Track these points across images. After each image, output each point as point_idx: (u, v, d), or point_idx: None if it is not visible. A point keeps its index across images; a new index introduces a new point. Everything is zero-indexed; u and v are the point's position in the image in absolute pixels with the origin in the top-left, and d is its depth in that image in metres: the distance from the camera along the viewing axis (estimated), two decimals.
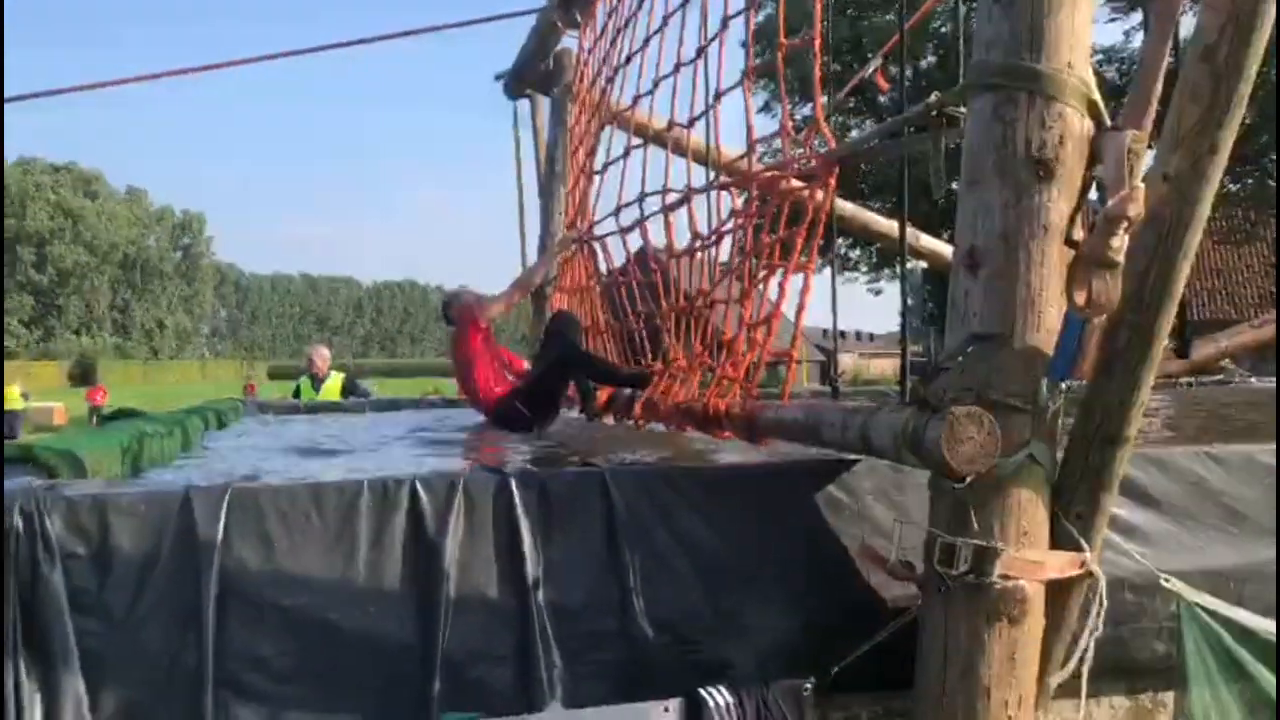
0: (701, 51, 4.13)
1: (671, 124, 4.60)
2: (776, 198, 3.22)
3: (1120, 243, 1.88)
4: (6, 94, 5.43)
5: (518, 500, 2.28)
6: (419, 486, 2.22)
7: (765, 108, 19.93)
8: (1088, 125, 2.11)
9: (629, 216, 5.29)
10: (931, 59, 27.32)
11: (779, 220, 3.23)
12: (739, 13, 3.83)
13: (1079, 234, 2.00)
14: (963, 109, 2.30)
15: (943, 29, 26.88)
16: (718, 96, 3.97)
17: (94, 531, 1.99)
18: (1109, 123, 2.06)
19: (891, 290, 35.07)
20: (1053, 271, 2.08)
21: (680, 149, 4.95)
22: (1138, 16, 21.42)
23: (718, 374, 3.58)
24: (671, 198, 4.47)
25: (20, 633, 1.89)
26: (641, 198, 4.89)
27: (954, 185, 2.39)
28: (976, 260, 2.15)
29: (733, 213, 3.80)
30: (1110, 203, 1.86)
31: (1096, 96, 2.11)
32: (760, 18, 5.88)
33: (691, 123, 4.31)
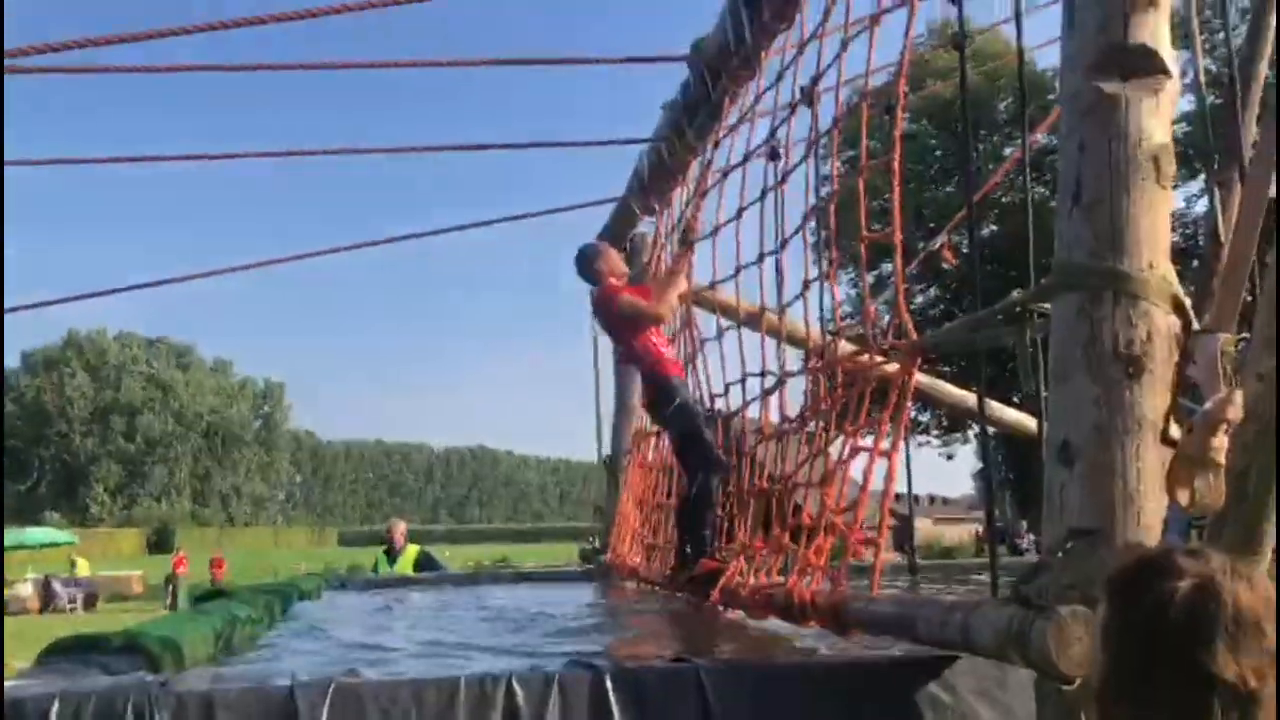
0: (785, 243, 4.31)
1: (759, 307, 4.73)
2: (860, 385, 3.27)
3: (1220, 443, 1.88)
4: (128, 281, 5.82)
5: (612, 698, 2.26)
6: (515, 683, 2.23)
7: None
8: (1174, 322, 2.14)
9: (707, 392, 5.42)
10: (994, 227, 27.77)
11: (862, 406, 3.27)
12: (817, 206, 4.00)
13: (1175, 431, 2.00)
14: (1047, 305, 2.36)
15: (1003, 199, 27.43)
16: (806, 285, 4.11)
17: None
18: (1194, 321, 2.09)
19: (963, 453, 34.54)
20: (1148, 467, 2.08)
21: (749, 322, 5.08)
22: (1197, 184, 21.61)
23: (800, 560, 3.55)
24: (758, 381, 4.62)
25: None
26: (727, 387, 5.11)
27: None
28: (1071, 454, 2.16)
29: (816, 397, 3.86)
30: (1208, 405, 1.87)
31: (1181, 293, 2.15)
32: (824, 193, 6.09)
33: (782, 309, 4.48)
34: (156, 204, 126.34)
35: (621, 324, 5.35)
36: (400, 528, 9.38)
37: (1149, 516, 2.07)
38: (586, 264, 5.57)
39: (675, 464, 6.14)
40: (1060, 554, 2.11)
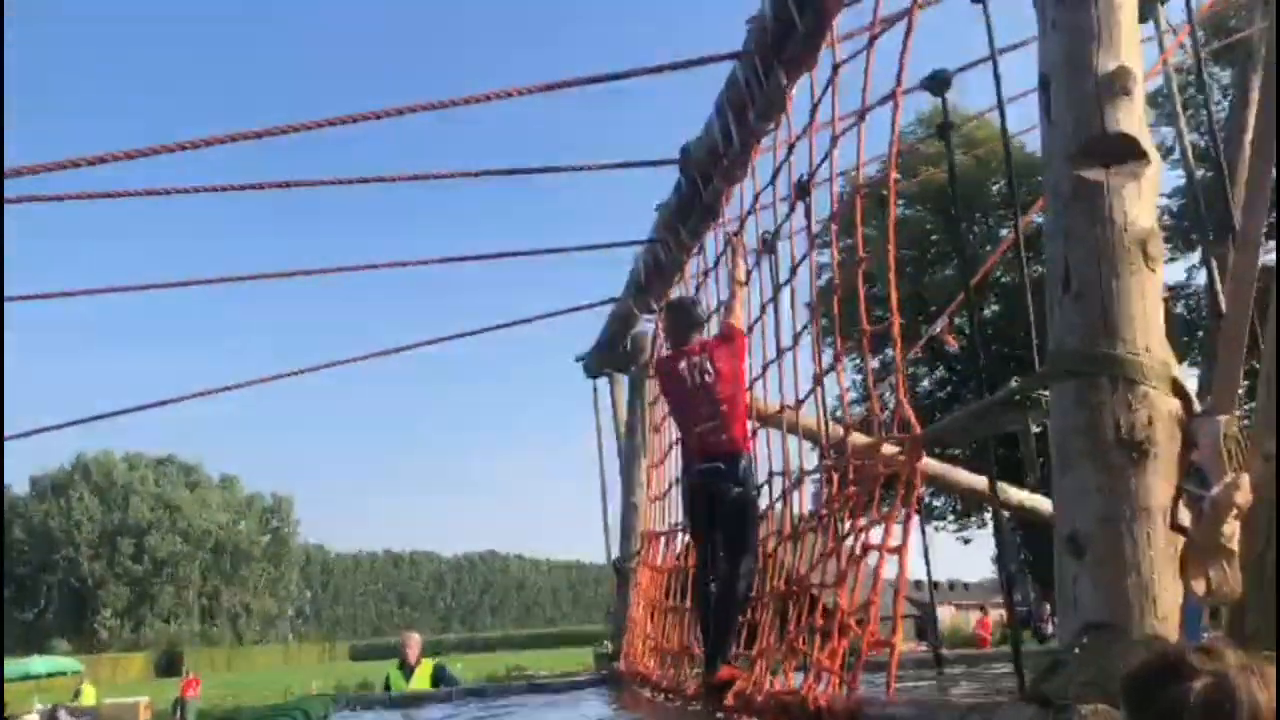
0: (797, 337, 4.34)
1: (782, 406, 4.70)
2: (869, 481, 3.23)
3: (1232, 529, 1.83)
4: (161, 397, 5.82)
5: None
6: None
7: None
8: (1174, 404, 2.12)
9: None
10: (995, 307, 27.90)
11: (872, 502, 3.22)
12: (806, 326, 4.02)
13: (1184, 518, 1.95)
14: (1045, 392, 2.34)
15: (1003, 278, 27.61)
16: (817, 380, 4.12)
17: None
18: (1196, 403, 2.07)
19: (980, 537, 34.01)
20: (1160, 555, 2.03)
21: (767, 421, 5.04)
22: (1196, 255, 21.75)
23: (814, 664, 3.45)
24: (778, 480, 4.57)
25: None
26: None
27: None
28: (1080, 545, 2.11)
29: (829, 495, 3.82)
30: (1215, 491, 1.83)
31: (1179, 376, 2.13)
32: (822, 281, 6.13)
33: (798, 405, 4.46)
34: (148, 326, 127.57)
35: (739, 364, 4.88)
36: (414, 640, 9.13)
37: (1165, 606, 2.01)
38: (689, 312, 5.17)
39: (691, 561, 6.01)
40: (1077, 649, 2.04)
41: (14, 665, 34.66)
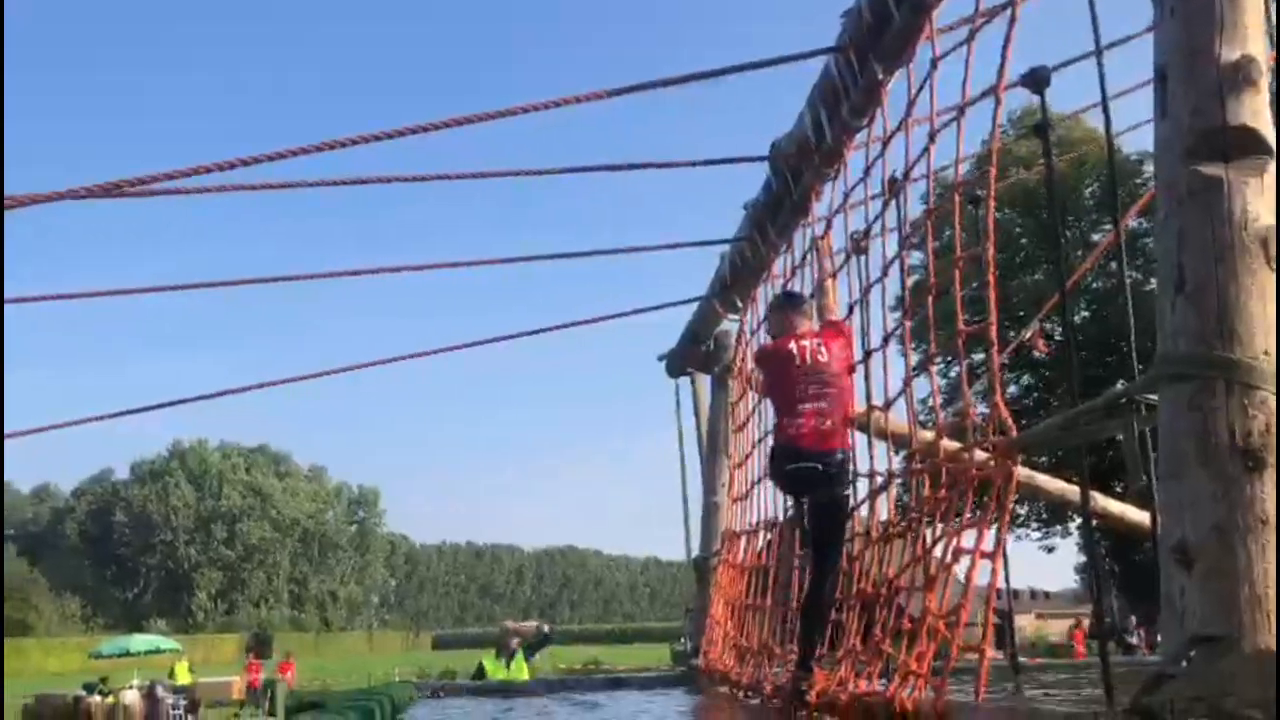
0: (888, 337, 4.27)
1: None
2: (961, 485, 3.16)
3: None
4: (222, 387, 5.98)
5: None
6: None
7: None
8: None
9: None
10: (1086, 313, 27.09)
11: (964, 506, 3.15)
12: (898, 327, 3.94)
13: None
14: (1153, 396, 2.25)
15: (1094, 284, 26.79)
16: (906, 382, 4.05)
17: None
18: None
19: (1064, 546, 33.13)
20: (1275, 568, 1.94)
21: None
22: None
23: (900, 667, 3.39)
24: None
25: None
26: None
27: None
28: (1189, 556, 2.03)
29: (919, 499, 3.75)
30: None
31: None
32: (911, 283, 6.01)
33: (887, 406, 4.39)
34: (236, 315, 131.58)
35: (849, 355, 4.75)
36: (521, 629, 9.18)
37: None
38: (800, 303, 5.01)
39: (775, 561, 5.97)
40: (1184, 663, 1.97)
41: (114, 642, 36.13)
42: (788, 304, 4.99)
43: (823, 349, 4.60)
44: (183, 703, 27.27)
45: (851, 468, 4.61)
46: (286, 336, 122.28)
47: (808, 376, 4.54)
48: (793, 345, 4.64)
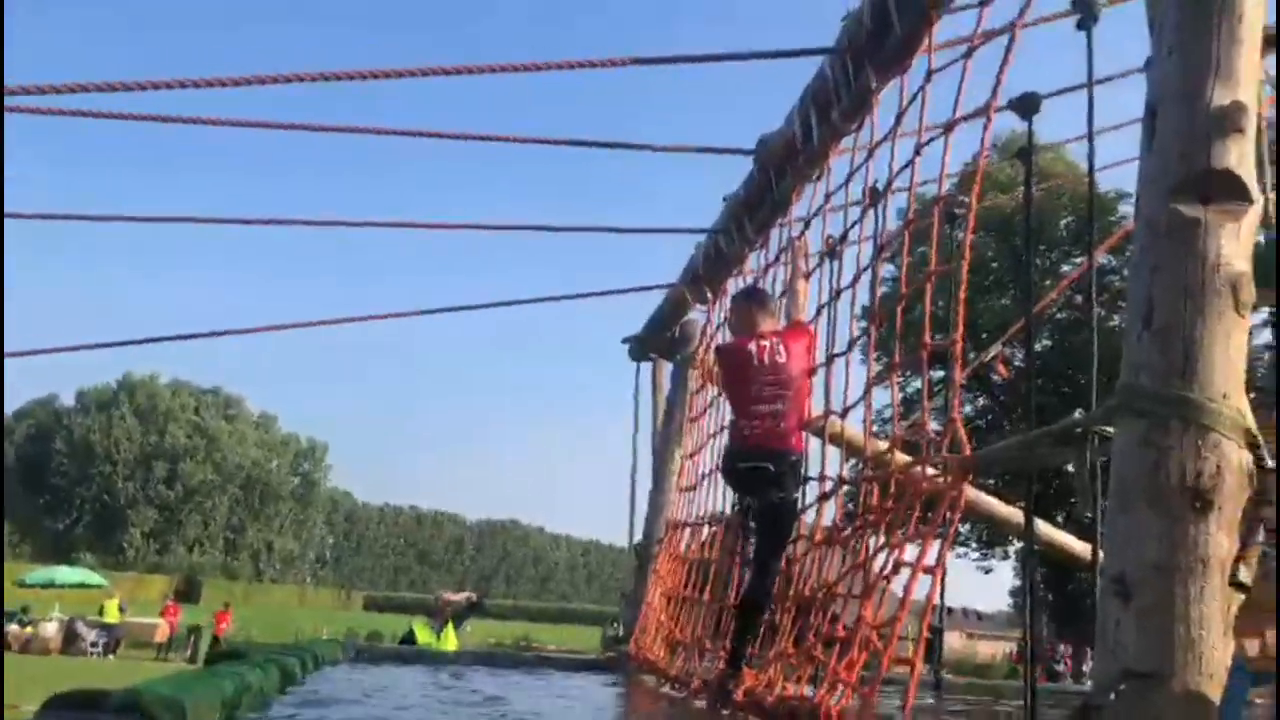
0: (852, 344, 4.28)
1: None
2: (910, 497, 3.17)
3: None
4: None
5: None
6: None
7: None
8: (1246, 458, 2.04)
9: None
10: (1047, 342, 27.50)
11: (910, 518, 3.16)
12: (863, 334, 3.94)
13: (1245, 575, 1.88)
14: (1109, 428, 2.26)
15: (1058, 315, 27.18)
16: (867, 389, 4.06)
17: None
18: (1269, 458, 1.98)
19: (1002, 569, 33.65)
20: (1214, 611, 1.95)
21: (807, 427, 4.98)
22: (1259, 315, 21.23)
23: (829, 673, 3.40)
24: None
25: None
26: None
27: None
28: (1127, 589, 2.04)
29: (866, 506, 3.76)
30: None
31: (1254, 428, 2.05)
32: (881, 293, 6.03)
33: (844, 413, 4.40)
34: (215, 252, 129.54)
35: (809, 359, 4.73)
36: (454, 598, 9.19)
37: (1212, 664, 1.93)
38: (765, 301, 5.00)
39: (717, 558, 5.97)
40: (1113, 695, 1.98)
41: (41, 572, 35.54)
42: (751, 300, 4.97)
43: (781, 349, 4.58)
44: (102, 640, 26.90)
45: (803, 471, 4.62)
46: (258, 280, 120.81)
47: (764, 377, 4.53)
48: (752, 345, 4.63)
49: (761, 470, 4.46)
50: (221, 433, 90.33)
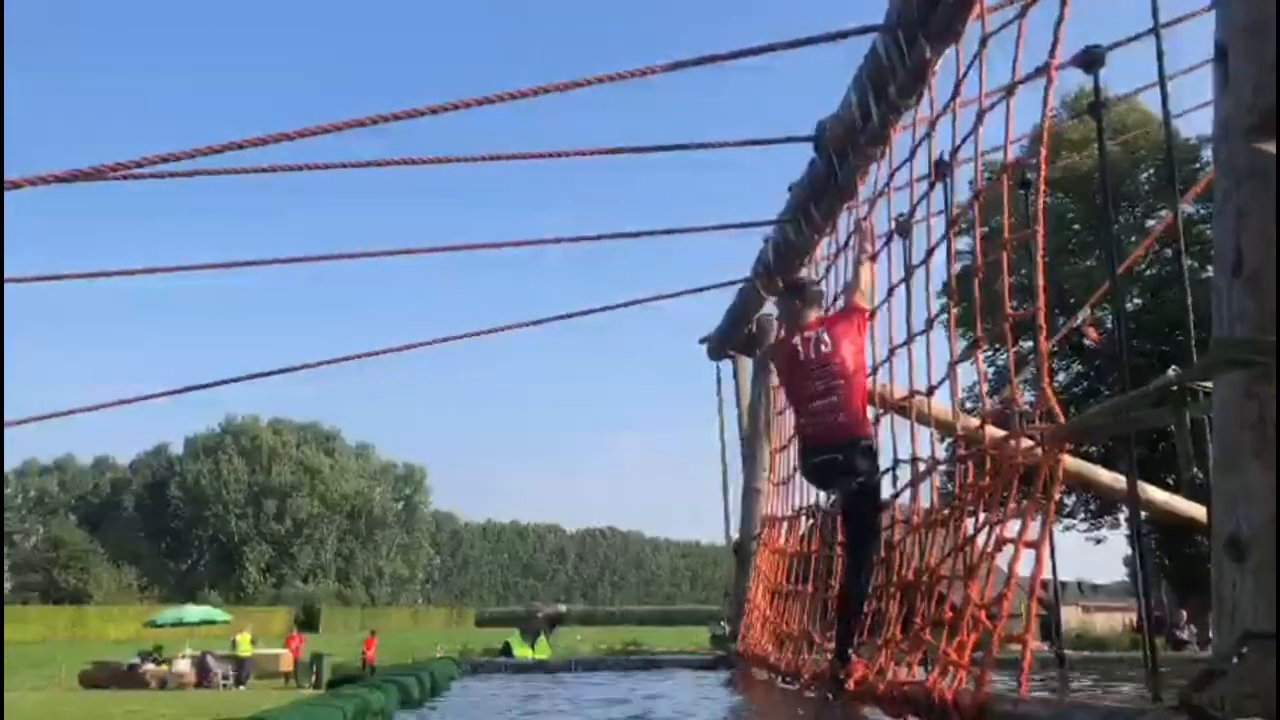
0: (931, 321, 4.21)
1: (913, 392, 4.56)
2: (1007, 473, 3.10)
3: None
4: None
5: None
6: None
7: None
8: None
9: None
10: (1138, 300, 26.53)
11: (1009, 495, 3.09)
12: (942, 311, 3.87)
13: None
14: (1207, 384, 2.18)
15: (1147, 271, 26.19)
16: (951, 366, 3.98)
17: None
18: None
19: (1114, 538, 32.58)
20: None
21: (894, 408, 4.91)
22: None
23: (940, 657, 3.34)
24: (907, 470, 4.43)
25: None
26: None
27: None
28: (1242, 549, 1.96)
29: (963, 486, 3.68)
30: None
31: None
32: (958, 268, 5.92)
33: (930, 390, 4.31)
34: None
35: (859, 339, 4.68)
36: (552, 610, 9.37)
37: None
38: (804, 290, 5.06)
39: (816, 549, 5.92)
40: (1235, 660, 1.90)
41: (169, 612, 37.07)
42: (793, 294, 5.01)
43: (826, 338, 4.59)
44: (232, 672, 27.94)
45: (878, 454, 4.58)
46: (331, 316, 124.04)
47: (813, 372, 4.56)
48: (796, 341, 4.67)
49: (830, 461, 4.48)
50: (323, 466, 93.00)
